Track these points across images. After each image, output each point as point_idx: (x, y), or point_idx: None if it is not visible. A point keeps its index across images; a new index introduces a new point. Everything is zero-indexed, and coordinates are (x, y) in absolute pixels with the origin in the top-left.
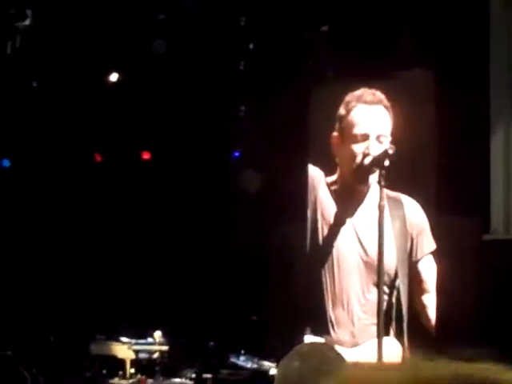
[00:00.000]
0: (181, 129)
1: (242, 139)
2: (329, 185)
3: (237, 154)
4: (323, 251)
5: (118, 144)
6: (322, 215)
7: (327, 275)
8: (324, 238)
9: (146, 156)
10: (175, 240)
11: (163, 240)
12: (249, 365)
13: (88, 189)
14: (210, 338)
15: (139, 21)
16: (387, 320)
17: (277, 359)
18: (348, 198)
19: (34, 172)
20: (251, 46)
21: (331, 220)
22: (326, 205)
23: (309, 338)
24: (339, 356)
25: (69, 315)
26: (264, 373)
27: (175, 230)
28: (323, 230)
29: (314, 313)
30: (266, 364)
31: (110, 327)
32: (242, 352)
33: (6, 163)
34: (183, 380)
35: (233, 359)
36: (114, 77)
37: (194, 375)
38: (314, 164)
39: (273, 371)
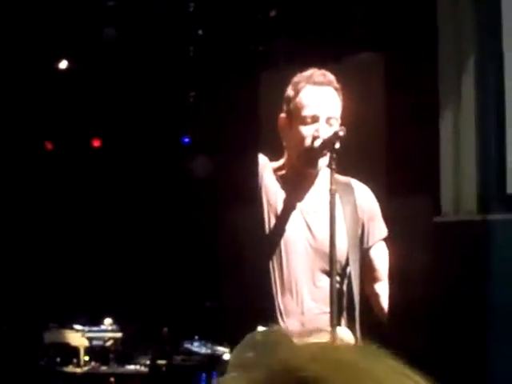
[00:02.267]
0: (131, 115)
1: (191, 125)
2: (275, 170)
3: (186, 139)
4: (271, 238)
5: (69, 132)
6: (268, 202)
7: (275, 263)
8: (271, 225)
9: (96, 143)
10: (127, 226)
11: (115, 226)
12: (203, 350)
13: (39, 177)
14: (163, 324)
15: (89, 7)
16: (339, 309)
17: (230, 344)
18: (296, 183)
19: None
20: (200, 31)
21: (278, 207)
22: (271, 191)
23: (260, 328)
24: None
25: (21, 303)
26: (218, 358)
27: (127, 217)
28: (270, 218)
29: (262, 301)
30: (220, 349)
31: (63, 315)
32: (196, 338)
33: None
34: (138, 367)
35: (187, 345)
36: (63, 64)
37: (148, 362)
38: (262, 148)
39: (227, 356)
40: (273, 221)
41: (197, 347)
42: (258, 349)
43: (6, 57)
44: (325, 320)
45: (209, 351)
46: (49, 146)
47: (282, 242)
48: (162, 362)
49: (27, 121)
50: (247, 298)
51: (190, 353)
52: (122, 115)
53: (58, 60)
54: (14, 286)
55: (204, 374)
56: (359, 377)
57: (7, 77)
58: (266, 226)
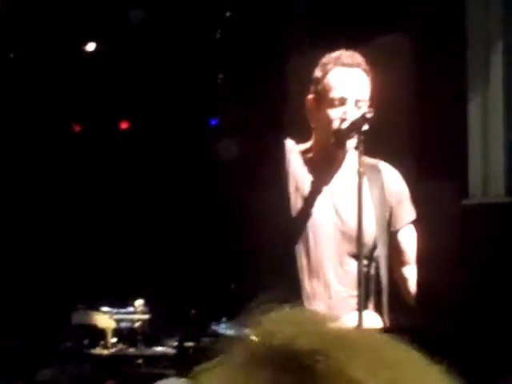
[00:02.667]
0: (159, 97)
1: (219, 107)
2: (302, 153)
3: (214, 121)
4: (297, 222)
5: (97, 114)
6: (295, 185)
7: (302, 246)
8: (298, 209)
9: (124, 125)
10: (154, 208)
11: (142, 209)
12: (230, 332)
13: (66, 159)
14: (191, 307)
15: None
16: (366, 293)
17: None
18: (323, 165)
19: (12, 143)
20: (228, 13)
21: (305, 189)
22: (298, 175)
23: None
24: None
25: (49, 285)
26: None
27: (154, 199)
28: (297, 201)
29: (288, 284)
30: (248, 331)
31: (91, 296)
32: (223, 320)
33: None
34: (165, 349)
35: (214, 327)
36: (91, 46)
37: (176, 344)
38: (290, 131)
39: (254, 338)
40: (300, 204)
41: (224, 329)
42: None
43: (33, 39)
44: (352, 304)
45: (236, 333)
46: (76, 128)
47: (309, 226)
48: (189, 344)
49: (55, 103)
50: (274, 282)
51: (218, 335)
52: (150, 97)
53: (86, 42)
54: (42, 268)
55: None
56: (378, 363)
57: (35, 59)
58: (293, 209)
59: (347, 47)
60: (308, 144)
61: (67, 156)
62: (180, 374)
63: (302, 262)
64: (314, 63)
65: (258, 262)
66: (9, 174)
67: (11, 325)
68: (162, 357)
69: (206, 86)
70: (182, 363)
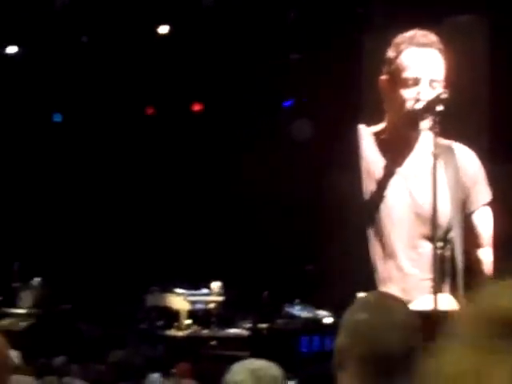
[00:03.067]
0: (232, 79)
1: (293, 88)
2: (375, 134)
3: (288, 103)
4: (371, 204)
5: (170, 96)
6: (368, 168)
7: (376, 228)
8: (372, 191)
9: (197, 107)
10: (229, 190)
11: (218, 191)
12: (304, 314)
13: (141, 142)
14: (264, 288)
15: None
16: (441, 276)
17: (331, 308)
18: (397, 147)
19: (86, 126)
20: None
21: (378, 172)
22: (371, 157)
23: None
24: (406, 306)
25: (124, 268)
26: (319, 322)
27: (229, 180)
28: (370, 183)
29: (363, 268)
30: (321, 313)
31: (165, 278)
32: (297, 301)
33: (58, 118)
34: (239, 330)
35: (288, 309)
36: (164, 29)
37: (249, 325)
38: (364, 112)
39: (327, 320)
40: (373, 186)
41: (298, 311)
42: (371, 311)
43: (107, 25)
44: (427, 287)
45: (310, 315)
46: (150, 110)
47: (382, 208)
48: (263, 325)
49: (128, 86)
50: (348, 264)
51: (291, 316)
52: (223, 79)
53: (159, 25)
54: (118, 251)
55: (305, 338)
56: None
57: (109, 43)
58: (366, 192)
59: (422, 25)
60: (381, 126)
61: (141, 138)
62: (254, 356)
63: (376, 244)
64: (387, 43)
65: (333, 245)
66: (84, 157)
67: (86, 307)
68: (236, 338)
69: (281, 67)
70: (256, 344)
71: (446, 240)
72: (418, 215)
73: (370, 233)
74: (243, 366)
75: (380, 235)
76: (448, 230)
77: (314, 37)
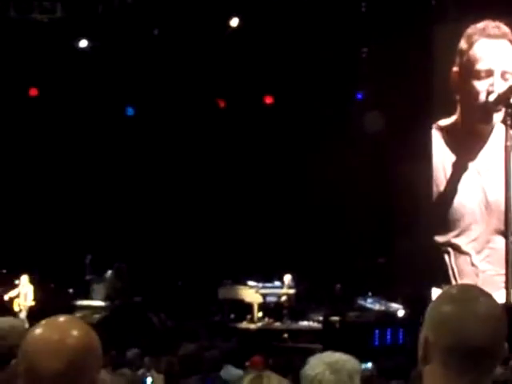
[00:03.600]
0: (303, 72)
1: (364, 81)
2: (446, 128)
3: (360, 95)
4: (443, 199)
5: (241, 89)
6: (439, 162)
7: (449, 224)
8: (443, 186)
9: (269, 100)
10: (303, 184)
11: (291, 184)
12: (376, 307)
13: (212, 134)
14: (336, 281)
15: None
16: None
17: (404, 301)
18: (469, 140)
19: (158, 119)
20: None
21: (450, 167)
22: (442, 151)
23: (435, 291)
24: (492, 297)
25: (197, 260)
26: (392, 314)
27: (303, 174)
28: (442, 178)
29: (436, 263)
30: (394, 306)
31: (238, 271)
32: (370, 294)
33: (131, 112)
34: (311, 323)
35: (360, 301)
36: (234, 22)
37: (321, 318)
38: (435, 105)
39: (400, 313)
40: (444, 181)
41: (370, 304)
42: (456, 303)
43: (178, 17)
44: (499, 282)
45: (382, 307)
46: (221, 103)
47: (455, 203)
48: (335, 318)
49: (200, 79)
50: (420, 258)
51: (364, 309)
52: (295, 72)
53: (229, 18)
54: (190, 244)
55: (378, 331)
56: None
57: (180, 36)
58: (438, 186)
59: (494, 16)
60: (453, 118)
61: (213, 131)
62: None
63: (449, 239)
64: (458, 34)
65: (406, 238)
66: (158, 150)
67: (159, 300)
68: (308, 331)
69: (351, 59)
70: (328, 337)
71: None
72: (491, 210)
73: (443, 227)
74: (320, 360)
75: (453, 230)
76: None
77: (386, 29)
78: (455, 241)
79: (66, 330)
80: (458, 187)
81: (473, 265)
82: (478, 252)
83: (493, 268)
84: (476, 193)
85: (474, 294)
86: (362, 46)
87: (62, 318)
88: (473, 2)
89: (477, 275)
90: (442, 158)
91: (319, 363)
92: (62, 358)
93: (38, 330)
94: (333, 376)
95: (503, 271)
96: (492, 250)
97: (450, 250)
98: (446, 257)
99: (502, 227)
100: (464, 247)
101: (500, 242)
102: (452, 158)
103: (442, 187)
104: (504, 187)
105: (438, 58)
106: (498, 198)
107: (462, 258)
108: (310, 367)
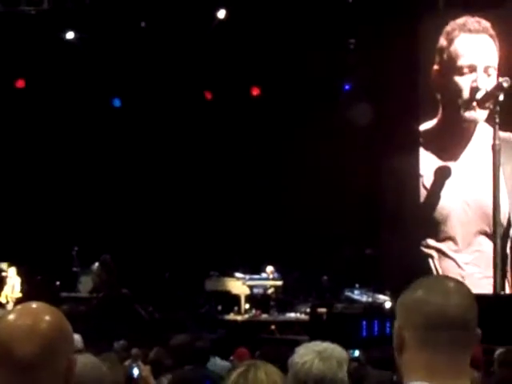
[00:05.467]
0: (290, 63)
1: (351, 73)
2: (428, 131)
3: (347, 86)
4: (427, 203)
5: (228, 81)
6: (426, 164)
7: (432, 226)
8: (428, 188)
9: (255, 92)
10: (289, 175)
11: (278, 175)
12: (364, 298)
13: (199, 126)
14: (323, 273)
15: None
16: (502, 273)
17: (391, 292)
18: (451, 140)
19: (144, 111)
20: None
21: (434, 167)
22: (427, 151)
23: None
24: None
25: (184, 252)
26: (379, 306)
27: (289, 166)
28: (427, 179)
29: (421, 263)
30: (381, 297)
31: (224, 263)
32: (357, 286)
33: (118, 103)
34: (298, 315)
35: (347, 293)
36: (221, 14)
37: (308, 310)
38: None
39: (388, 305)
40: (429, 183)
41: (357, 295)
42: (424, 287)
43: (165, 10)
44: (487, 284)
45: (370, 299)
46: (208, 95)
47: (439, 206)
48: (322, 309)
49: (187, 72)
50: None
51: (351, 301)
52: (282, 63)
53: (216, 10)
54: (176, 236)
55: (365, 322)
56: None
57: (167, 29)
58: (423, 187)
59: (478, 10)
60: (434, 121)
61: (199, 123)
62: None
63: (433, 241)
64: (444, 28)
65: (392, 230)
66: (144, 141)
67: (146, 292)
68: (295, 323)
69: (338, 51)
70: (315, 329)
71: (506, 236)
72: (476, 211)
73: (429, 227)
74: (309, 348)
75: (438, 232)
76: (508, 226)
77: (373, 20)
78: (439, 245)
79: (38, 315)
80: (442, 190)
81: (458, 267)
82: (464, 254)
83: (479, 271)
84: (460, 194)
85: (446, 282)
86: (349, 37)
87: (33, 305)
88: None
89: (463, 277)
90: (430, 160)
91: (308, 351)
92: (35, 341)
93: (10, 316)
94: (321, 363)
95: (491, 274)
96: (479, 252)
97: (434, 253)
98: (431, 258)
99: (487, 229)
100: (448, 252)
101: (486, 244)
102: (437, 159)
103: (428, 185)
104: (492, 187)
105: (426, 50)
106: (483, 198)
107: (447, 259)
108: (298, 356)
